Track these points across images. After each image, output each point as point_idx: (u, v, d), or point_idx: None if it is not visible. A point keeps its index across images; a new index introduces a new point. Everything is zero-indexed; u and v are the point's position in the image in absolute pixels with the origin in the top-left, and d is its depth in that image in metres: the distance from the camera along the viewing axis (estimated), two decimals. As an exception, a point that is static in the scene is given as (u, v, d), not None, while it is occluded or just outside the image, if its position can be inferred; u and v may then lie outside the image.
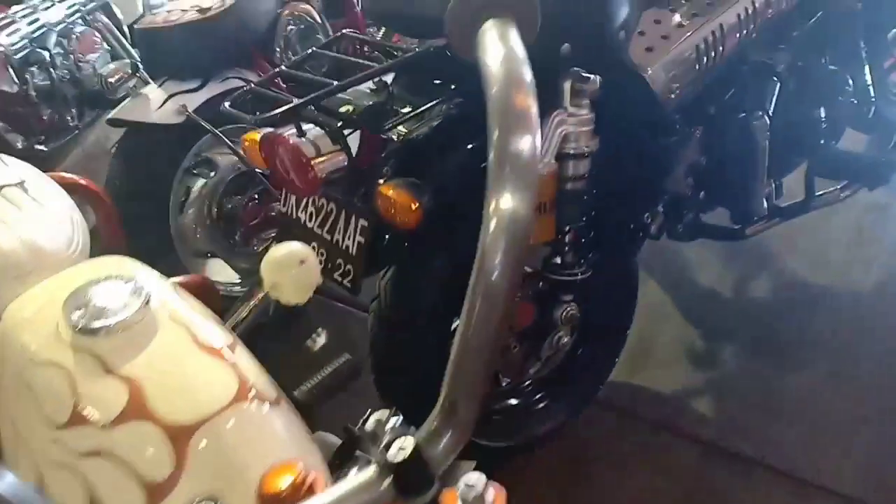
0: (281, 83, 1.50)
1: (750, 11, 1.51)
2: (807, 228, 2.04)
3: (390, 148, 1.25)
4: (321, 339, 1.50)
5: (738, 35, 1.49)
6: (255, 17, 2.01)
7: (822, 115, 1.71)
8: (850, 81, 1.75)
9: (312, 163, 1.20)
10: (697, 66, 1.43)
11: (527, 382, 1.62)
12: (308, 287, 0.87)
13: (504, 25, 0.58)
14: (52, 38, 2.47)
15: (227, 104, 1.25)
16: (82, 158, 2.71)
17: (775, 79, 1.58)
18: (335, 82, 1.25)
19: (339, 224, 1.29)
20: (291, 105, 1.16)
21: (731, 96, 1.59)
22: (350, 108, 1.22)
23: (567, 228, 1.41)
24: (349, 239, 1.26)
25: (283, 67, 1.45)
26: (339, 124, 1.22)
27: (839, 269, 2.15)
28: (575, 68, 1.31)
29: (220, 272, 2.11)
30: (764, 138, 1.53)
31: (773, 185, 1.70)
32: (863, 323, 1.99)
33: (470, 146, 1.26)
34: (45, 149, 2.57)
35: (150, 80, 1.93)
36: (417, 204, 1.14)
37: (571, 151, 1.35)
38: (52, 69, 2.44)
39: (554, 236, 1.39)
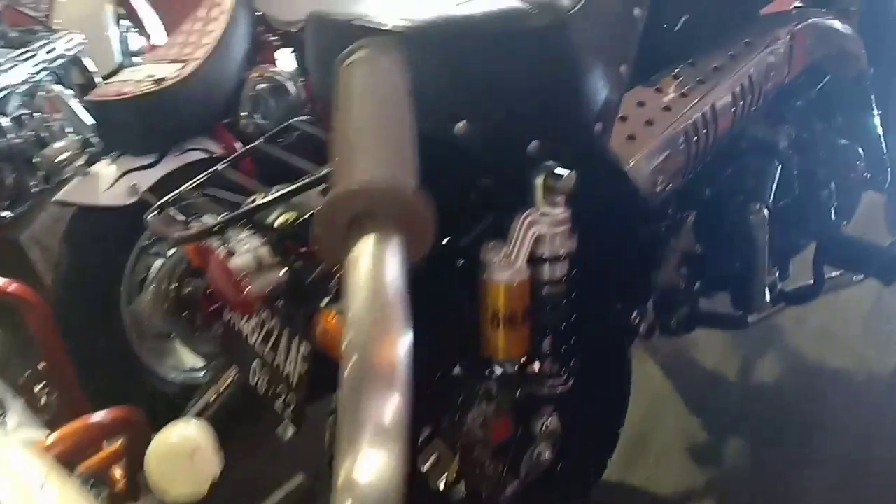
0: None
1: (746, 86, 1.37)
2: (818, 301, 1.88)
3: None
4: (291, 429, 1.36)
5: (733, 113, 1.36)
6: (217, 86, 1.89)
7: (832, 192, 1.57)
8: (862, 152, 1.61)
9: (245, 281, 1.07)
10: (687, 154, 1.29)
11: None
12: (202, 481, 0.74)
13: (382, 244, 0.44)
14: (15, 101, 2.37)
15: (152, 215, 1.13)
16: (50, 223, 2.61)
17: (776, 158, 1.44)
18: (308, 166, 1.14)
19: (282, 345, 1.16)
20: (215, 224, 1.04)
21: (728, 178, 1.45)
22: (290, 216, 1.10)
23: (544, 338, 1.27)
24: (291, 365, 1.13)
25: (258, 143, 1.35)
26: (279, 235, 1.09)
27: (855, 346, 1.99)
28: (547, 163, 1.17)
29: (181, 356, 1.99)
30: (763, 233, 1.39)
31: (778, 271, 1.56)
32: (881, 409, 1.83)
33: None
34: (9, 214, 2.47)
35: (102, 156, 1.81)
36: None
37: (545, 255, 1.21)
38: (15, 132, 2.33)
39: (527, 351, 1.25)
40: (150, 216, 1.12)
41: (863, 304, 2.07)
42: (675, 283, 1.46)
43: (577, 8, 1.08)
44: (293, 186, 1.13)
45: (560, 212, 1.20)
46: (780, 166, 1.42)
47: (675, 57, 1.37)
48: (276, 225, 1.09)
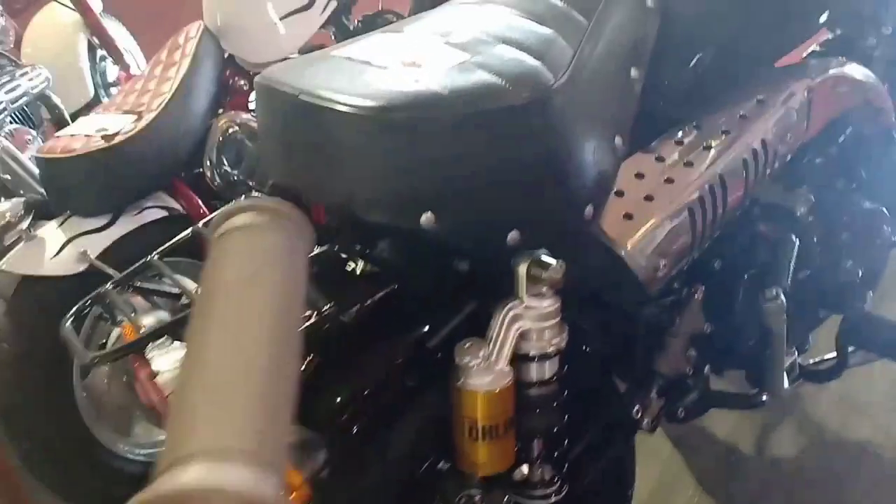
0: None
1: (759, 150, 1.22)
2: (841, 367, 1.74)
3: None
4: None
5: (745, 182, 1.21)
6: (177, 137, 1.76)
7: (856, 260, 1.42)
8: (888, 213, 1.46)
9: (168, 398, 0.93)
10: (693, 232, 1.14)
11: None
12: None
13: None
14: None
15: (68, 322, 0.98)
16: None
17: (794, 228, 1.29)
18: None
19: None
20: (133, 343, 0.89)
21: (740, 249, 1.30)
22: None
23: (533, 444, 1.12)
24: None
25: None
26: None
27: (883, 419, 1.84)
28: (531, 251, 1.03)
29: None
30: (781, 321, 1.24)
31: (796, 349, 1.41)
32: (913, 490, 1.67)
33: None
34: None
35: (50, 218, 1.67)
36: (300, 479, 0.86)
37: (532, 353, 1.06)
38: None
39: (512, 463, 1.10)
40: (66, 324, 0.98)
41: (890, 370, 1.91)
42: (681, 368, 1.31)
43: (562, 79, 0.93)
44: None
45: (548, 304, 1.05)
46: (798, 239, 1.27)
47: (678, 118, 1.22)
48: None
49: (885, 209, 1.44)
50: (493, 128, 0.89)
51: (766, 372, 1.34)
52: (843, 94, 1.36)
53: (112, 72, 3.18)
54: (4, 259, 1.60)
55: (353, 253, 1.13)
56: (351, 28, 2.33)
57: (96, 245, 1.59)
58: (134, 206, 1.68)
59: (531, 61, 0.94)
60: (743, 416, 1.87)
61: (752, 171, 1.20)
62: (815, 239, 1.34)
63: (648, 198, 1.12)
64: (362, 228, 1.02)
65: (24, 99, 2.43)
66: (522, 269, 1.03)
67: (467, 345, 1.03)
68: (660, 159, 1.17)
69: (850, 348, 1.46)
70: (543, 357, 1.07)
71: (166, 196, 1.74)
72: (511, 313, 1.04)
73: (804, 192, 1.34)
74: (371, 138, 0.87)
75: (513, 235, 0.96)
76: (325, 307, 0.98)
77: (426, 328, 1.10)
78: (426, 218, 0.91)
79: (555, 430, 1.13)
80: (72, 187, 1.63)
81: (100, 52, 3.11)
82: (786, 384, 1.33)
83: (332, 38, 2.32)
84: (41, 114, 2.77)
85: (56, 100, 2.62)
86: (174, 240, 1.09)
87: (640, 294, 1.12)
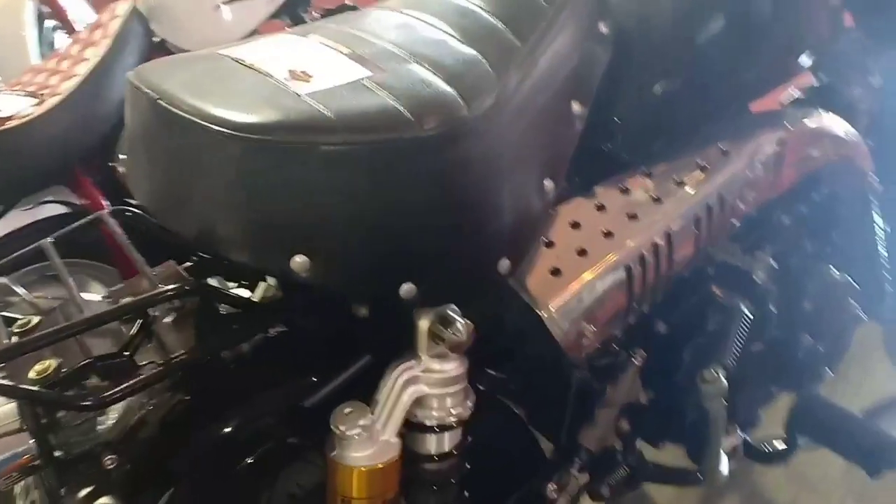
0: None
1: (716, 208, 1.09)
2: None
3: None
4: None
5: (696, 240, 1.08)
6: (83, 127, 1.59)
7: (817, 335, 1.29)
8: (857, 286, 1.33)
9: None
10: (628, 296, 1.01)
11: None
12: None
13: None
14: None
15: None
16: None
17: (749, 295, 1.15)
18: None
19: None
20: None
21: (687, 315, 1.17)
22: (49, 365, 0.80)
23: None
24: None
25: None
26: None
27: (836, 498, 1.71)
28: (426, 309, 0.89)
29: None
30: (718, 405, 1.10)
31: (741, 427, 1.27)
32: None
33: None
34: None
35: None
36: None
37: (429, 423, 0.92)
38: None
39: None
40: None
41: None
42: (610, 441, 1.18)
43: (478, 110, 0.79)
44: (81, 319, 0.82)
45: (451, 368, 0.91)
46: (753, 307, 1.14)
47: (627, 162, 1.09)
48: (30, 376, 0.79)
49: (853, 281, 1.32)
50: (384, 162, 0.75)
51: (706, 449, 1.21)
52: (819, 150, 1.23)
53: (62, 42, 3.02)
54: None
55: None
56: (308, 21, 2.18)
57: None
58: (29, 199, 1.52)
59: (443, 86, 0.80)
60: (679, 491, 1.74)
61: (705, 228, 1.07)
62: (772, 308, 1.21)
63: (581, 252, 0.99)
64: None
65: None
66: (424, 325, 0.89)
67: (347, 410, 0.88)
68: (601, 208, 1.03)
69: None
70: (442, 428, 0.93)
71: (68, 191, 1.58)
72: (406, 375, 0.90)
73: (765, 255, 1.21)
74: (233, 161, 0.73)
75: (407, 288, 0.82)
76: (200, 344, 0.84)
77: (311, 380, 0.96)
78: (298, 262, 0.76)
79: (451, 511, 0.99)
80: (-45, 176, 1.47)
81: (52, 22, 2.95)
82: (724, 470, 1.20)
83: (286, 29, 2.17)
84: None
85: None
86: (73, 225, 0.93)
87: (560, 361, 0.98)
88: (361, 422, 0.87)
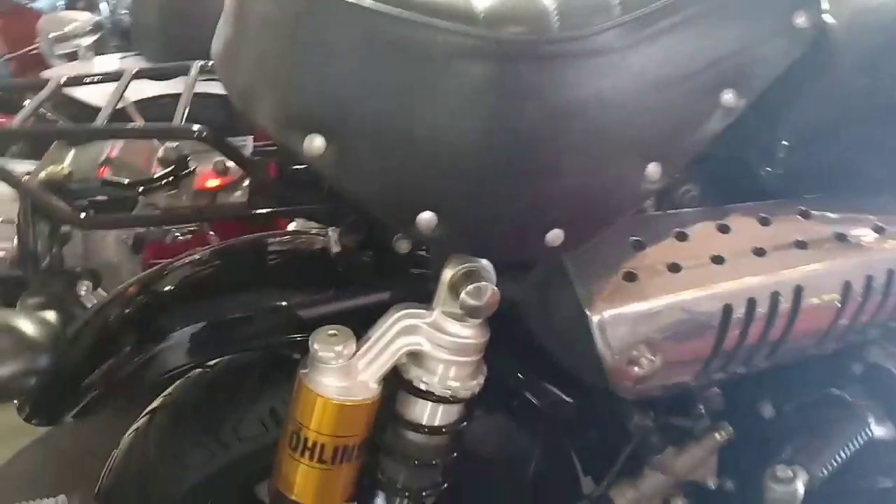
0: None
1: (879, 282, 0.85)
2: None
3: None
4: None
5: (832, 317, 0.85)
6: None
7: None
8: None
9: None
10: (717, 341, 0.81)
11: None
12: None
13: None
14: None
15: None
16: None
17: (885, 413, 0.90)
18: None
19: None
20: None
21: (794, 409, 0.94)
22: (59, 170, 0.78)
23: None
24: None
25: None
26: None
27: None
28: (469, 257, 0.77)
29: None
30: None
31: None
32: None
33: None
34: None
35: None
36: None
37: (421, 386, 0.80)
38: None
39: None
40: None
41: None
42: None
43: (614, 25, 0.66)
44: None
45: (464, 333, 0.78)
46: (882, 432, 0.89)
47: (775, 191, 0.88)
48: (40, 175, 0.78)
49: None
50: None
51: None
52: None
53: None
54: None
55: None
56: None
57: None
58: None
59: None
60: None
61: (855, 301, 0.84)
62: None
63: (674, 267, 0.81)
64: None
65: None
66: (446, 275, 0.77)
67: (331, 332, 0.79)
68: (723, 229, 0.85)
69: None
70: (435, 397, 0.80)
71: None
72: (407, 321, 0.79)
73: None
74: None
75: (426, 218, 0.70)
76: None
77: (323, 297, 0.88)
78: (316, 143, 0.67)
79: (423, 494, 0.85)
80: None
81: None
82: None
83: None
84: None
85: None
86: None
87: (602, 385, 0.82)
88: (340, 348, 0.77)
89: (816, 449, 0.87)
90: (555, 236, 0.72)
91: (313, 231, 0.98)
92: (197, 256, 0.94)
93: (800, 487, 0.84)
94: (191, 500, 0.93)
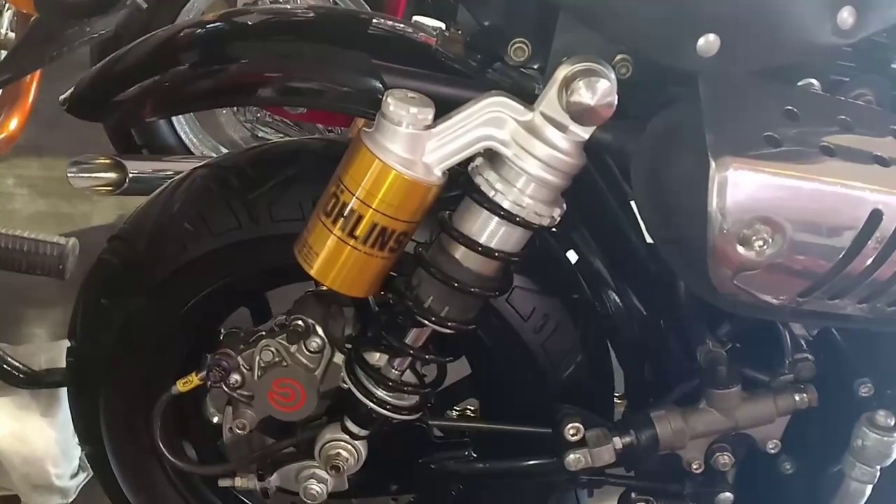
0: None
1: None
2: None
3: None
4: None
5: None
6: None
7: None
8: None
9: None
10: (851, 252, 0.67)
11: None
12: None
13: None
14: None
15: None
16: None
17: None
18: None
19: None
20: None
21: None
22: None
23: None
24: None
25: None
26: None
27: None
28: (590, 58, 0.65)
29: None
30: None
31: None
32: None
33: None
34: None
35: None
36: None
37: (488, 192, 0.69)
38: None
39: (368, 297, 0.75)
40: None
41: None
42: (691, 457, 0.85)
43: None
44: None
45: (564, 148, 0.67)
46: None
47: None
48: None
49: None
50: None
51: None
52: None
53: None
54: None
55: None
56: None
57: None
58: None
59: None
60: None
61: None
62: None
63: (828, 150, 0.67)
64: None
65: None
66: (560, 72, 0.66)
67: (411, 94, 0.68)
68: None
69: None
70: (499, 211, 0.69)
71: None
72: (497, 111, 0.68)
73: None
74: None
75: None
76: None
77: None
78: None
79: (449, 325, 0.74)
80: None
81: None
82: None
83: None
84: None
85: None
86: None
87: (695, 274, 0.69)
88: (415, 111, 0.66)
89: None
90: (705, 43, 0.60)
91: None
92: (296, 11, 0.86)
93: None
94: (200, 266, 0.85)
